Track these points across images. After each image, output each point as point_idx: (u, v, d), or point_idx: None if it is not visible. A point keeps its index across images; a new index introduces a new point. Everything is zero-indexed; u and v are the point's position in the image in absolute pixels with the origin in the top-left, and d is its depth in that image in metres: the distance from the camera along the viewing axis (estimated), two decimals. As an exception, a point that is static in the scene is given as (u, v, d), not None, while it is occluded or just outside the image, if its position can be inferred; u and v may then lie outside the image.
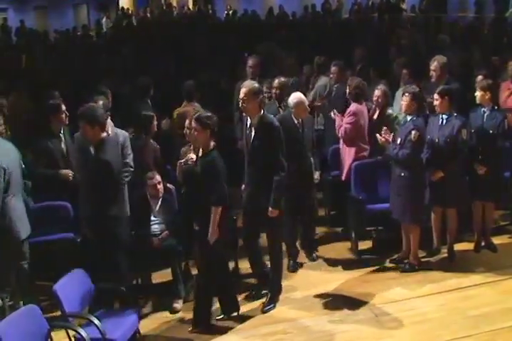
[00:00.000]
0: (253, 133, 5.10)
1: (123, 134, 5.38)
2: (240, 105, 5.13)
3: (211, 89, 7.94)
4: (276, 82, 6.15)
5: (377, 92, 6.30)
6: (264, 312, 5.19)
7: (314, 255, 6.09)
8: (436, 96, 5.76)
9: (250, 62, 7.28)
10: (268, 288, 5.32)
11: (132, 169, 5.37)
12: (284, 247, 5.59)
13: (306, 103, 5.73)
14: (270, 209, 5.02)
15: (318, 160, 6.29)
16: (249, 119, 5.16)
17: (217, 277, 4.96)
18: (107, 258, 4.91)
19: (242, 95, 5.05)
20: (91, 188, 5.01)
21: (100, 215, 4.94)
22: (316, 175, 6.16)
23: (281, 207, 5.07)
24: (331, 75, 7.49)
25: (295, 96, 5.66)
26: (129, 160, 5.35)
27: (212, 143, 4.86)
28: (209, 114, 4.89)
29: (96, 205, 4.98)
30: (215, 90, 8.04)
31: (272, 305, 5.24)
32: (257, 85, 5.12)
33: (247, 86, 5.08)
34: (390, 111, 6.41)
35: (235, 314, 5.12)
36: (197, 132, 4.81)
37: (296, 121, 5.66)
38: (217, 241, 4.77)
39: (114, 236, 4.99)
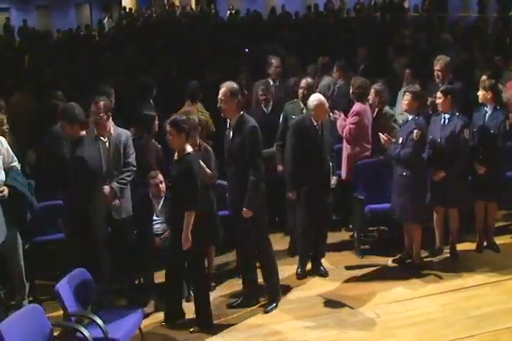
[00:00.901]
0: (231, 134, 5.05)
1: (125, 134, 5.38)
2: (219, 105, 5.08)
3: (216, 89, 7.87)
4: (303, 82, 6.20)
5: (370, 92, 6.32)
6: (266, 312, 5.18)
7: (322, 268, 5.85)
8: (439, 94, 5.76)
9: (274, 62, 7.30)
10: (268, 288, 5.30)
11: (135, 168, 5.37)
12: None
13: (327, 105, 5.56)
14: (244, 209, 4.94)
15: (335, 164, 6.06)
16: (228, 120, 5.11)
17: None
18: (85, 258, 4.83)
19: (220, 95, 4.99)
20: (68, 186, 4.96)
21: (74, 215, 4.88)
22: (333, 180, 5.88)
23: (255, 208, 4.96)
24: (333, 75, 7.54)
25: (315, 98, 5.52)
26: (131, 159, 5.35)
27: (188, 147, 4.86)
28: (184, 117, 4.93)
29: (70, 204, 4.95)
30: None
31: (273, 305, 5.22)
32: (235, 86, 5.05)
33: (226, 86, 5.00)
34: (386, 107, 6.41)
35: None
36: (172, 136, 4.81)
37: (315, 124, 5.53)
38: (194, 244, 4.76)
39: (88, 236, 4.87)
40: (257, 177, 4.95)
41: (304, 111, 5.95)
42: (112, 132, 5.28)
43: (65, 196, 5.12)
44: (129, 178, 5.33)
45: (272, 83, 7.10)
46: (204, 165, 5.43)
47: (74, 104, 5.11)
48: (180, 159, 4.85)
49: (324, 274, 5.78)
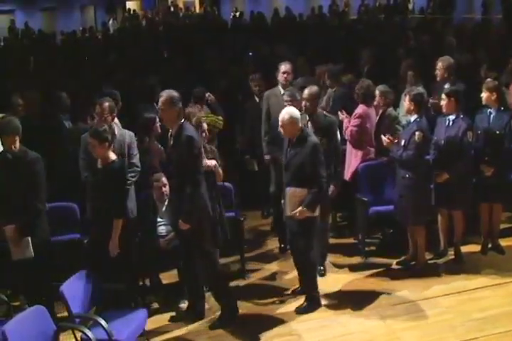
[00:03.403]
0: (171, 145, 4.96)
1: (129, 135, 5.39)
2: (159, 115, 5.01)
3: (225, 95, 7.88)
4: (305, 92, 5.65)
5: (376, 94, 6.31)
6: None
7: (321, 268, 5.82)
8: (443, 96, 5.75)
9: (283, 67, 6.66)
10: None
11: (139, 169, 5.38)
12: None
13: (295, 122, 5.07)
14: (180, 221, 4.84)
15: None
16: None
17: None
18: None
19: (160, 104, 4.90)
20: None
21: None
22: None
23: (192, 221, 4.86)
24: (327, 82, 7.23)
25: (285, 112, 5.12)
26: (135, 160, 5.36)
27: (111, 155, 4.90)
28: (105, 127, 4.95)
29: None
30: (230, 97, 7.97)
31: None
32: (175, 94, 4.90)
33: (165, 95, 4.88)
34: (390, 109, 6.40)
35: None
36: (94, 147, 4.84)
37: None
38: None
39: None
40: (196, 190, 4.84)
41: (309, 123, 5.61)
42: (116, 133, 5.29)
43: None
44: (133, 179, 5.35)
45: (282, 91, 6.53)
46: (217, 165, 5.45)
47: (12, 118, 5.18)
48: (105, 167, 4.88)
49: (323, 274, 5.78)
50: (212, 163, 5.40)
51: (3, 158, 4.91)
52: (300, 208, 4.99)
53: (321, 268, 5.84)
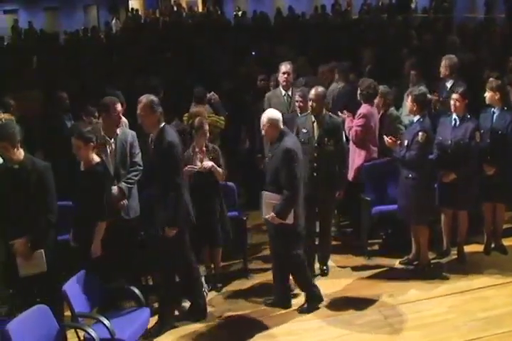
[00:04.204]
0: (152, 149, 4.90)
1: (131, 133, 5.39)
2: (139, 121, 4.97)
3: (231, 96, 7.88)
4: (312, 93, 5.55)
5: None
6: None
7: (325, 267, 5.85)
8: (457, 96, 5.69)
9: (283, 67, 6.53)
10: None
11: (141, 168, 5.38)
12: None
13: (276, 123, 5.02)
14: (166, 228, 4.79)
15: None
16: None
17: None
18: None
19: (138, 110, 4.82)
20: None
21: None
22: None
23: (177, 227, 4.81)
24: (335, 76, 7.35)
25: (266, 114, 5.09)
26: (138, 159, 5.36)
27: (95, 157, 4.85)
28: (89, 128, 4.92)
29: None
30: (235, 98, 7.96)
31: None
32: (154, 98, 4.85)
33: (144, 101, 4.81)
34: (391, 109, 6.40)
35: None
36: (79, 149, 4.77)
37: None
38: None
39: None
40: (178, 194, 4.79)
41: (315, 124, 5.57)
42: (118, 132, 5.29)
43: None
44: (136, 178, 5.35)
45: (283, 93, 6.54)
46: (215, 165, 5.47)
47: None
48: (89, 170, 4.84)
49: (326, 274, 5.80)
50: (209, 164, 5.39)
51: (5, 168, 4.70)
52: (272, 214, 4.94)
53: (324, 267, 5.84)
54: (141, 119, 4.90)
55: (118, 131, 5.28)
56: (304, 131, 5.60)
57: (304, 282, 5.26)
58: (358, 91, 6.28)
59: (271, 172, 5.03)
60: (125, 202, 5.23)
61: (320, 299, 5.27)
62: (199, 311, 5.17)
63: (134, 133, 5.44)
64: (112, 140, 5.22)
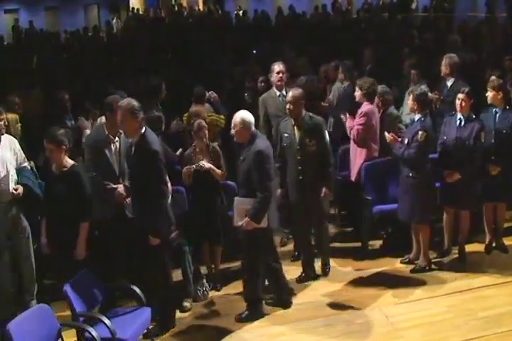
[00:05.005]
0: (132, 155, 4.78)
1: None
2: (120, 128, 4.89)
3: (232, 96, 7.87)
4: (289, 95, 5.45)
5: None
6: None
7: (328, 267, 5.85)
8: (463, 96, 5.68)
9: (277, 67, 6.38)
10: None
11: None
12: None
13: (247, 125, 4.96)
14: (150, 237, 4.71)
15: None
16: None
17: None
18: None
19: (119, 117, 4.68)
20: None
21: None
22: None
23: (161, 235, 4.75)
24: (339, 75, 7.37)
25: (237, 116, 5.01)
26: None
27: (68, 160, 4.78)
28: (62, 131, 4.81)
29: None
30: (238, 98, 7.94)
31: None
32: (135, 103, 4.69)
33: (124, 106, 4.67)
34: (391, 108, 6.39)
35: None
36: (52, 152, 4.70)
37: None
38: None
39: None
40: (162, 202, 4.75)
41: (295, 127, 5.46)
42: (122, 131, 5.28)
43: None
44: None
45: (278, 94, 6.35)
46: (213, 167, 5.47)
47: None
48: (64, 173, 4.76)
49: (327, 272, 5.80)
50: (206, 166, 5.38)
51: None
52: (246, 219, 4.89)
53: (327, 267, 5.84)
54: (121, 125, 4.74)
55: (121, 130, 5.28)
56: (286, 135, 5.51)
57: (253, 292, 5.14)
58: (359, 91, 6.25)
59: (243, 175, 4.97)
60: (129, 200, 5.22)
61: (260, 314, 5.15)
62: (165, 324, 5.01)
63: None
64: (116, 139, 5.22)
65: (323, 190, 5.49)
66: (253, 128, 5.01)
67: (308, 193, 5.50)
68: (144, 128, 4.75)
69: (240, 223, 4.93)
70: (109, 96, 5.30)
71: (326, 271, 5.83)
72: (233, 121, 5.00)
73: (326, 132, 5.62)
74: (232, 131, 5.02)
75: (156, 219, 4.73)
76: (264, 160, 4.86)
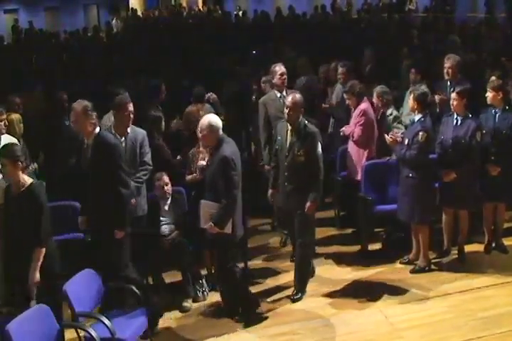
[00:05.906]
0: (89, 154, 4.77)
1: (141, 133, 5.39)
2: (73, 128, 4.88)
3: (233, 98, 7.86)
4: (289, 100, 5.28)
5: (373, 94, 6.32)
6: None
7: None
8: (454, 96, 5.70)
9: (278, 69, 6.32)
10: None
11: (151, 167, 5.41)
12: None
13: (215, 130, 4.87)
14: (116, 231, 4.69)
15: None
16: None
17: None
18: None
19: (72, 118, 4.75)
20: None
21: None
22: None
23: (126, 228, 4.75)
24: (339, 76, 7.29)
25: (204, 120, 4.92)
26: (147, 158, 5.38)
27: (26, 178, 4.50)
28: (16, 146, 4.63)
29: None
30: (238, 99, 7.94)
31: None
32: (87, 104, 4.72)
33: (77, 106, 4.70)
34: (391, 109, 6.39)
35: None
36: (5, 167, 4.45)
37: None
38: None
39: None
40: (127, 194, 4.73)
41: (289, 132, 5.29)
42: (129, 131, 5.30)
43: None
44: (145, 177, 5.37)
45: (278, 95, 6.29)
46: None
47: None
48: (23, 192, 4.46)
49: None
50: (203, 163, 5.39)
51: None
52: (210, 223, 4.84)
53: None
54: (76, 126, 4.77)
55: (129, 130, 5.29)
56: (279, 138, 5.40)
57: (241, 295, 5.14)
58: (350, 97, 6.22)
59: (209, 180, 4.93)
60: (133, 200, 5.23)
61: (259, 314, 5.14)
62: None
63: (144, 132, 5.44)
64: (123, 139, 5.22)
65: (308, 203, 5.18)
66: (220, 132, 4.90)
67: (292, 201, 5.30)
68: (97, 129, 4.75)
69: (205, 226, 4.91)
70: (117, 97, 5.32)
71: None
72: (200, 124, 4.90)
73: (319, 144, 5.26)
74: (199, 135, 4.95)
75: (120, 213, 4.70)
76: (229, 167, 4.78)
